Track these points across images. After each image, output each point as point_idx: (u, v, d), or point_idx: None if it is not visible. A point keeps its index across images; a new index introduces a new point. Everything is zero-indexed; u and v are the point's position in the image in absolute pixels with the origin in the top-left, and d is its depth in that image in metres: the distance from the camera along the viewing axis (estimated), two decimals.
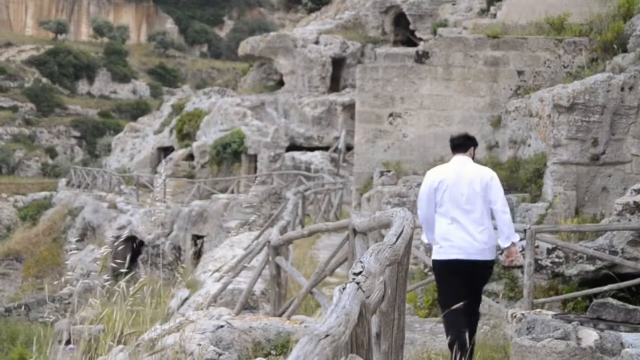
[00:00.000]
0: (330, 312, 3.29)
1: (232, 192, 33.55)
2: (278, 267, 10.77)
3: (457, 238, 7.34)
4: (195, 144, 39.01)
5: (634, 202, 10.97)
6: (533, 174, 14.50)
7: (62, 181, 48.87)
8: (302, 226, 19.15)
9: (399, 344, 5.50)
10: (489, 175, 7.51)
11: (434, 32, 22.64)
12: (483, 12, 24.70)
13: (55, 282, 6.44)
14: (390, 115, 17.97)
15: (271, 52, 40.14)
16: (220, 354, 7.90)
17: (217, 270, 14.89)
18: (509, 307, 10.20)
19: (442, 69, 17.73)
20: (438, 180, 7.47)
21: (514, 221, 8.06)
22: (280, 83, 41.40)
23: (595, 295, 10.02)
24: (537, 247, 10.45)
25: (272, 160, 35.48)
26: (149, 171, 41.43)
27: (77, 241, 32.20)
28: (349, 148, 34.68)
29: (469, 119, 17.53)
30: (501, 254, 8.18)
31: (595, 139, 13.68)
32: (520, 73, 17.47)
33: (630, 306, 7.84)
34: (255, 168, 36.00)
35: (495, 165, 15.96)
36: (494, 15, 19.82)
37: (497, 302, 10.68)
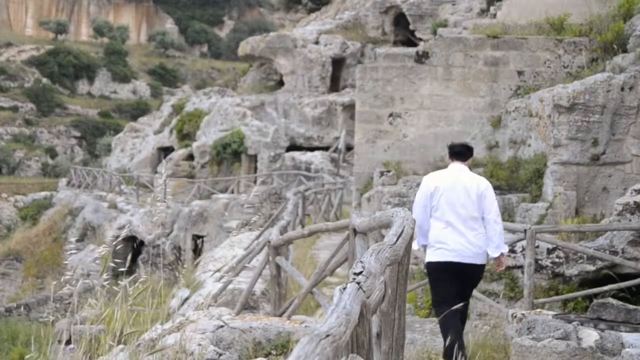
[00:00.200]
0: (331, 312, 3.29)
1: (232, 192, 33.56)
2: (278, 267, 10.76)
3: (451, 241, 7.46)
4: (195, 144, 39.01)
5: (634, 202, 10.96)
6: (533, 174, 14.50)
7: (63, 181, 48.87)
8: (302, 226, 19.17)
9: (399, 344, 5.50)
10: (484, 185, 7.68)
11: (434, 32, 22.63)
12: (483, 12, 24.67)
13: (55, 282, 6.43)
14: (390, 115, 17.97)
15: (271, 52, 40.14)
16: (220, 354, 7.90)
17: (218, 271, 14.88)
18: (510, 307, 10.19)
19: (442, 69, 17.73)
20: (434, 186, 7.60)
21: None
22: (280, 83, 41.40)
23: (596, 295, 10.02)
24: (538, 247, 10.44)
25: (272, 160, 35.48)
26: (149, 171, 41.43)
27: (77, 241, 32.17)
28: (349, 148, 34.69)
29: (469, 119, 17.52)
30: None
31: (595, 139, 13.68)
32: (520, 73, 17.46)
33: (631, 306, 7.85)
34: (255, 168, 36.01)
35: (495, 165, 15.98)
36: (494, 16, 19.80)
37: (498, 302, 10.68)
